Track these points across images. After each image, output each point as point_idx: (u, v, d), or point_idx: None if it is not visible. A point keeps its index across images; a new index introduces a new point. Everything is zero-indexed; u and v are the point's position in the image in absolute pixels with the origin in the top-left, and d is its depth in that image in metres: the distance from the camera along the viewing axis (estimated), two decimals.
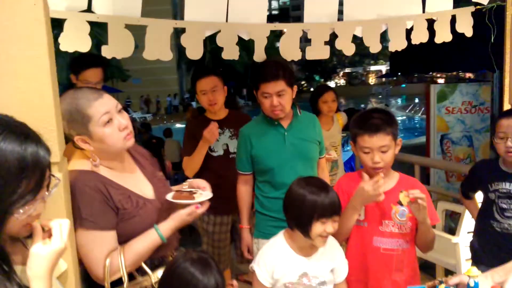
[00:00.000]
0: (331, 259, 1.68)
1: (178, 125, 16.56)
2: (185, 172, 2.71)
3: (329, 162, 3.11)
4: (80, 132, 1.37)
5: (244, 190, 2.33)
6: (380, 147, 1.70)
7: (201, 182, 1.60)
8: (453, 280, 1.51)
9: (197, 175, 2.75)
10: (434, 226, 2.31)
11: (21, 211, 0.91)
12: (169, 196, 1.47)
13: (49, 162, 0.97)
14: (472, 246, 2.19)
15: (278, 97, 2.08)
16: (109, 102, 1.39)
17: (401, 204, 1.68)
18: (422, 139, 5.47)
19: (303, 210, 1.56)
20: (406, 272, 1.80)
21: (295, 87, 2.17)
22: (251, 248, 2.28)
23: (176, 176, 5.58)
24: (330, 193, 1.57)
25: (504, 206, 1.98)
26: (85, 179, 1.37)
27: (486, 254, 2.06)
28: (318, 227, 1.54)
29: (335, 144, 3.31)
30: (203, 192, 1.54)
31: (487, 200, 2.08)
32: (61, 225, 1.03)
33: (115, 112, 1.40)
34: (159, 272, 1.42)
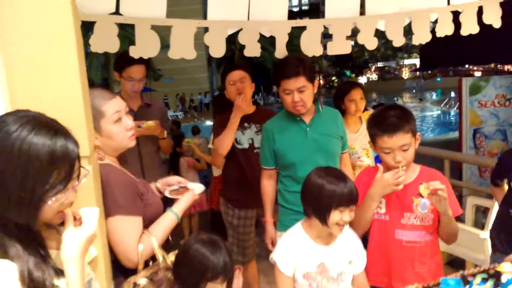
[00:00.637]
0: (349, 250, 1.70)
1: (208, 123, 16.78)
2: (219, 150, 2.61)
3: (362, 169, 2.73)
4: None
5: (267, 185, 2.38)
6: (401, 146, 1.71)
7: (178, 178, 1.76)
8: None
9: (223, 168, 2.83)
10: (458, 218, 2.29)
11: (53, 199, 0.99)
12: (167, 193, 1.67)
13: (78, 155, 1.05)
14: (491, 234, 2.19)
15: (299, 93, 2.12)
16: (120, 103, 1.53)
17: (421, 196, 1.68)
18: (456, 134, 5.35)
19: (321, 199, 1.59)
20: (430, 264, 1.80)
21: (317, 82, 2.20)
22: (275, 241, 2.33)
23: (206, 172, 5.64)
24: (348, 183, 1.60)
25: None
26: (115, 171, 1.49)
27: (501, 242, 2.08)
28: (335, 216, 1.57)
29: (366, 147, 2.96)
30: (194, 185, 1.72)
31: (509, 188, 2.08)
32: (91, 213, 1.12)
33: (124, 113, 1.53)
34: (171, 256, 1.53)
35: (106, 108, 1.48)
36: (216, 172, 3.78)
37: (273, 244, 2.34)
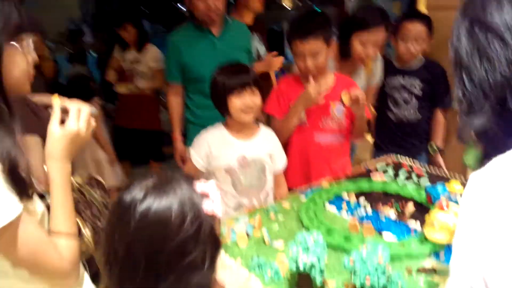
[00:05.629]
0: (268, 143, 1.72)
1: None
2: None
3: None
4: None
5: (175, 102, 2.30)
6: (312, 52, 1.73)
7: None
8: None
9: None
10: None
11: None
12: None
13: None
14: (374, 137, 2.45)
15: None
16: None
17: (343, 103, 1.77)
18: None
19: (217, 91, 1.59)
20: (342, 161, 1.96)
21: None
22: (184, 157, 2.30)
23: None
24: (241, 74, 1.58)
25: (397, 97, 2.24)
26: None
27: (383, 142, 2.36)
28: (235, 102, 1.56)
29: None
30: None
31: (383, 94, 2.30)
32: (80, 110, 0.96)
33: None
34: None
35: None
36: None
37: (183, 161, 2.31)
